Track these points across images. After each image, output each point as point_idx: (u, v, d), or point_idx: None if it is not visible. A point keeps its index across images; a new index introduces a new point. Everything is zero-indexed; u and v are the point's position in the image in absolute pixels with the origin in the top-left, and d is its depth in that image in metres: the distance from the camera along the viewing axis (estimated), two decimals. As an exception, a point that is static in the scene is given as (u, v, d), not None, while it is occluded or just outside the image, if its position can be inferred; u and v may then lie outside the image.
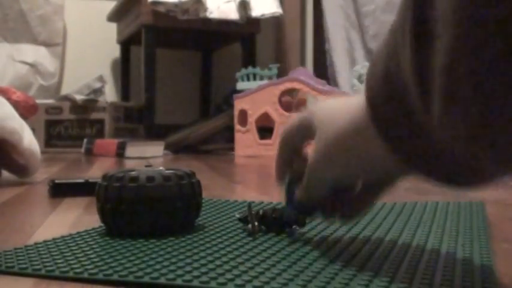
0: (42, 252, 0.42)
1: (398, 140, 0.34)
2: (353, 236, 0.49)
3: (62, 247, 0.44)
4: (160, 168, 0.52)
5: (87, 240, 0.46)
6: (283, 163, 0.47)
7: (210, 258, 0.40)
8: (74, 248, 0.43)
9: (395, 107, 0.33)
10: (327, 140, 0.40)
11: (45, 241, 0.46)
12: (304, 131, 0.44)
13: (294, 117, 0.46)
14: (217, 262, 0.39)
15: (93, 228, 0.52)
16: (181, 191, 0.49)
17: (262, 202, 0.71)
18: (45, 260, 0.39)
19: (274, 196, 0.86)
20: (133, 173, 0.49)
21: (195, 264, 0.38)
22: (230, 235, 0.49)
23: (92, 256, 0.40)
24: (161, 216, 0.48)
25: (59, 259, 0.39)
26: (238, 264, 0.38)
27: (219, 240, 0.46)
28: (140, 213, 0.47)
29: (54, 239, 0.47)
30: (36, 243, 0.45)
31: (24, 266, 0.38)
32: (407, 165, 0.34)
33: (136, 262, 0.39)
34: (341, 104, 0.42)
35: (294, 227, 0.47)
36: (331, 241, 0.46)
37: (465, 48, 0.23)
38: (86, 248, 0.43)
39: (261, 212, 0.50)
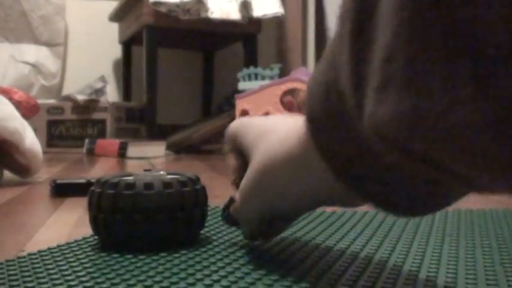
0: (29, 266, 0.38)
1: (344, 165, 0.30)
2: (370, 247, 0.49)
3: (49, 261, 0.40)
4: (161, 172, 0.48)
5: (78, 254, 0.42)
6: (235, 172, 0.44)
7: (215, 276, 0.36)
8: (62, 264, 0.39)
9: (336, 125, 0.29)
10: (260, 165, 0.36)
11: (29, 254, 0.42)
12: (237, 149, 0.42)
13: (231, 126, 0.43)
14: (223, 282, 0.34)
15: (84, 238, 0.47)
16: (183, 200, 0.44)
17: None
18: (33, 275, 0.36)
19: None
20: (129, 178, 0.45)
21: (198, 284, 0.34)
22: (237, 248, 0.44)
23: (84, 273, 0.37)
24: (160, 228, 0.43)
25: (43, 277, 0.36)
26: (248, 285, 0.34)
27: (224, 253, 0.42)
28: (137, 224, 0.43)
29: (39, 251, 0.43)
30: (19, 257, 0.41)
31: None
32: (358, 194, 0.30)
33: (131, 282, 0.35)
34: (275, 125, 0.38)
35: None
36: (350, 254, 0.46)
37: (406, 35, 0.21)
38: (77, 263, 0.39)
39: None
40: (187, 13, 2.21)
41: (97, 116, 2.35)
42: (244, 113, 2.06)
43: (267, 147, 0.36)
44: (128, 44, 2.68)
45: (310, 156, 0.32)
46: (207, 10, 2.21)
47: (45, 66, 2.65)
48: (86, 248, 0.44)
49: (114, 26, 2.73)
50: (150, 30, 2.28)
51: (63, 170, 1.31)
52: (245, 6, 2.27)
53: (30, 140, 0.96)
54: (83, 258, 0.41)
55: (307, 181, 0.34)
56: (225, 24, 2.27)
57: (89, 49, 2.77)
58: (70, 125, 2.35)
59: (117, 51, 2.77)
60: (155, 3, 2.18)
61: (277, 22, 2.76)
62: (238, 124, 0.42)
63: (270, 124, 0.38)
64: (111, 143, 1.98)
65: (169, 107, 2.76)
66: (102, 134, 2.32)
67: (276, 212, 0.38)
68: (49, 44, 2.68)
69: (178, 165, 1.58)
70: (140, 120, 2.43)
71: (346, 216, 0.60)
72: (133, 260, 0.40)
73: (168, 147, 2.07)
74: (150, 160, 1.72)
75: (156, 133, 2.25)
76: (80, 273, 0.36)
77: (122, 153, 1.87)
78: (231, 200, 0.44)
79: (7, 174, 0.99)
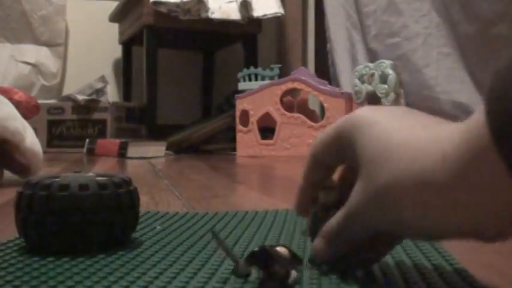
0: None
1: None
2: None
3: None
4: (90, 174, 0.46)
5: (6, 259, 0.39)
6: (309, 187, 0.38)
7: (163, 278, 0.34)
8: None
9: None
10: (394, 178, 0.30)
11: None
12: (340, 151, 0.34)
13: (329, 128, 0.35)
14: (176, 283, 0.33)
15: (11, 241, 0.44)
16: (119, 201, 0.43)
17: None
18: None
19: (276, 197, 0.86)
20: (62, 179, 0.43)
21: (133, 286, 0.32)
22: (168, 250, 0.42)
23: (12, 279, 0.33)
24: (96, 230, 0.41)
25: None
26: (203, 284, 0.33)
27: (159, 256, 0.40)
28: (71, 226, 0.41)
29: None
30: None
31: None
32: None
33: (71, 283, 0.32)
34: (405, 139, 0.30)
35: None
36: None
37: None
38: (3, 269, 0.36)
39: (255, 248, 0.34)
40: (187, 13, 2.21)
41: (97, 116, 2.35)
42: (244, 113, 2.06)
43: (395, 166, 0.30)
44: (128, 44, 2.69)
45: (465, 183, 0.26)
46: (207, 10, 2.21)
47: (46, 66, 2.65)
48: (10, 252, 0.41)
49: (114, 26, 2.73)
50: (150, 30, 2.28)
51: (63, 170, 1.32)
52: (245, 6, 2.27)
53: (31, 139, 0.96)
54: (15, 262, 0.38)
55: (444, 209, 0.28)
56: (225, 24, 2.28)
57: (89, 49, 2.77)
58: (70, 125, 2.35)
59: (117, 52, 2.77)
60: (155, 3, 2.18)
61: (277, 22, 2.77)
62: (350, 124, 0.34)
63: (397, 138, 0.31)
64: (111, 143, 1.98)
65: (169, 107, 2.76)
66: (102, 134, 2.33)
67: (386, 230, 0.33)
68: (49, 44, 2.68)
69: (178, 165, 1.59)
70: (140, 120, 2.44)
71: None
72: (73, 263, 0.37)
73: (168, 147, 2.08)
74: (150, 160, 1.72)
75: (156, 133, 2.25)
76: (9, 278, 0.34)
77: (122, 153, 1.87)
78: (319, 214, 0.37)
79: (7, 174, 0.99)
